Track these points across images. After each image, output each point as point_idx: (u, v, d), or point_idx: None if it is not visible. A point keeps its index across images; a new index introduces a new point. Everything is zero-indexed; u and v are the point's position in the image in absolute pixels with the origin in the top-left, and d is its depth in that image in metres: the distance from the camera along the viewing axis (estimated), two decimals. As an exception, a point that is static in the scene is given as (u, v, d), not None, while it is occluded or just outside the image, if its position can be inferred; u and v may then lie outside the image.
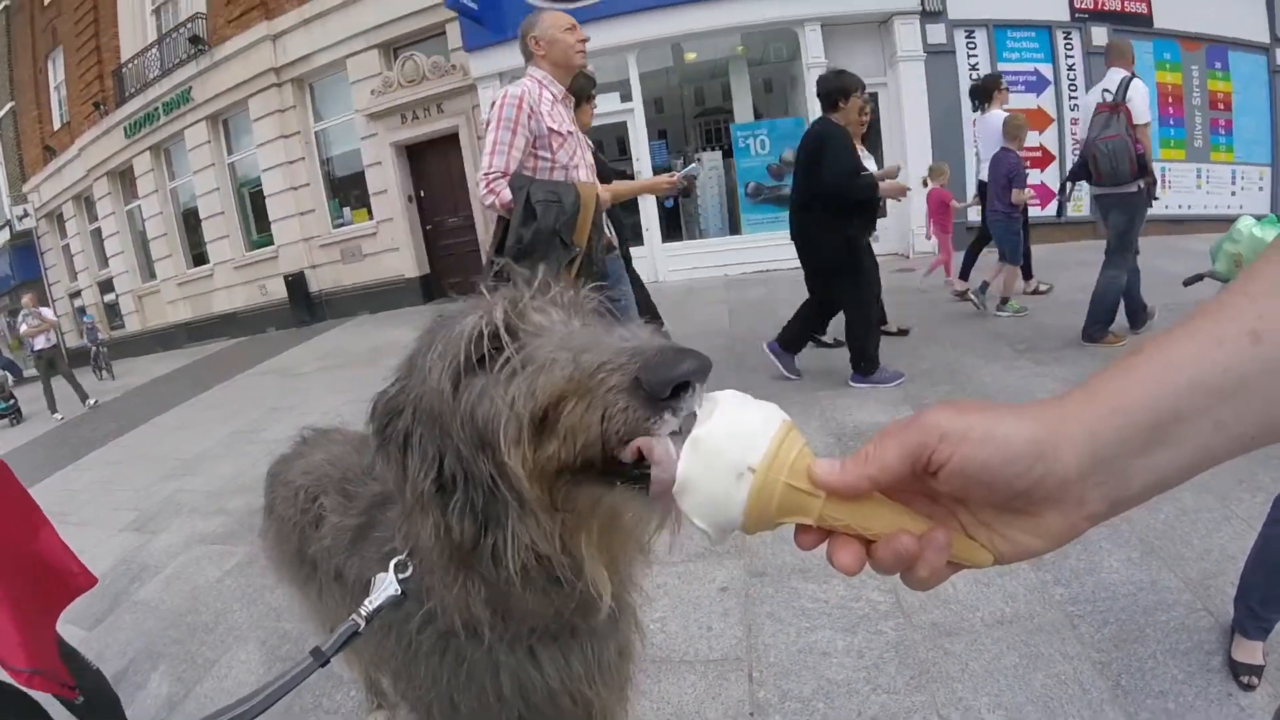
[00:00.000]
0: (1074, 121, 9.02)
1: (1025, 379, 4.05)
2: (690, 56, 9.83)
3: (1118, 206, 4.29)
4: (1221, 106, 9.10)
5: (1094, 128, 4.26)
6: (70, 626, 2.90)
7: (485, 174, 2.74)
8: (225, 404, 6.88)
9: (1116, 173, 4.15)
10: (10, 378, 10.31)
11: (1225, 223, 4.18)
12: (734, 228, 9.55)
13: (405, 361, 0.78)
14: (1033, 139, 8.68)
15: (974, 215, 6.52)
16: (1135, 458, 0.40)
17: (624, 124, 9.38)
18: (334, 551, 1.14)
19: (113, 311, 14.80)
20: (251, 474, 4.36)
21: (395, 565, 0.85)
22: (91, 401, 8.75)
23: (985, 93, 5.92)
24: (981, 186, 5.88)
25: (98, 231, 14.52)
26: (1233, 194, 6.75)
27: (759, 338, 4.81)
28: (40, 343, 9.00)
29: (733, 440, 0.43)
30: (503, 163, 2.73)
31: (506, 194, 2.69)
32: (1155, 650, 1.95)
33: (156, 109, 12.22)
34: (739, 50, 9.59)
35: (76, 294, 15.87)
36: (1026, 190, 5.32)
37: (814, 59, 8.71)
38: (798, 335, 4.42)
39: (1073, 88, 9.07)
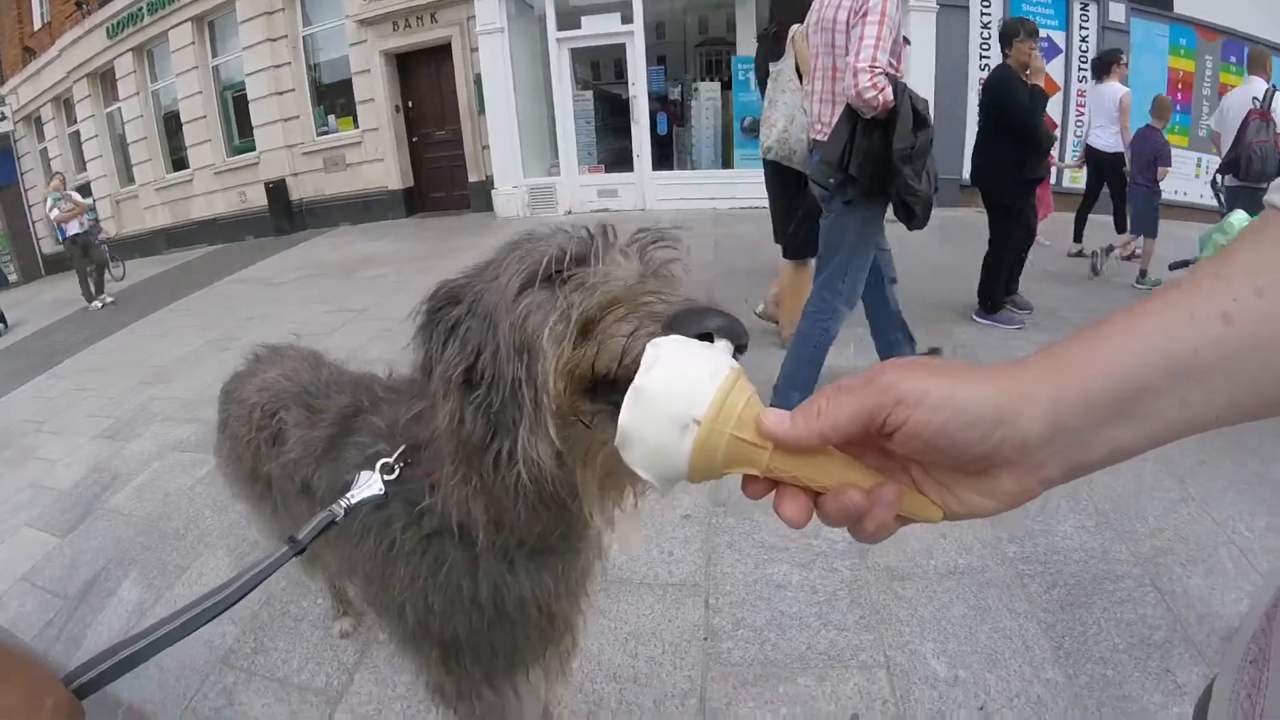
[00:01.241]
0: (1081, 93, 8.93)
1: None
2: (696, -18, 9.53)
3: (1253, 200, 4.64)
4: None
5: (1250, 131, 4.75)
6: (43, 534, 2.93)
7: (872, 66, 2.47)
8: (202, 312, 6.79)
9: (1265, 173, 4.61)
10: None
11: (1216, 213, 4.33)
12: (726, 161, 9.37)
13: (480, 263, 0.79)
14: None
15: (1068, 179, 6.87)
16: (1097, 429, 0.40)
17: (623, 46, 9.12)
18: (301, 464, 1.14)
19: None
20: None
21: (381, 466, 0.86)
22: (110, 299, 8.43)
23: (1105, 65, 6.08)
24: (1088, 151, 6.27)
25: (76, 135, 13.97)
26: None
27: (743, 275, 4.80)
28: (74, 228, 8.50)
29: (677, 390, 0.42)
30: (884, 59, 2.49)
31: (890, 94, 2.49)
32: (1100, 618, 2.02)
33: (141, 8, 11.64)
34: (748, -21, 9.28)
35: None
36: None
37: (824, -2, 8.49)
38: (994, 288, 4.41)
39: (1083, 60, 8.91)
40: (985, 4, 8.76)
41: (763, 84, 3.66)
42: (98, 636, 2.26)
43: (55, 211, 8.46)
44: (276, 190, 11.05)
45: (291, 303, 6.35)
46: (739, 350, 0.51)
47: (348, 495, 0.85)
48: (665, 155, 9.53)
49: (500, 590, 0.92)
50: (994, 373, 0.40)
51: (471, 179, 10.33)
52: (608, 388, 0.59)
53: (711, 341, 0.49)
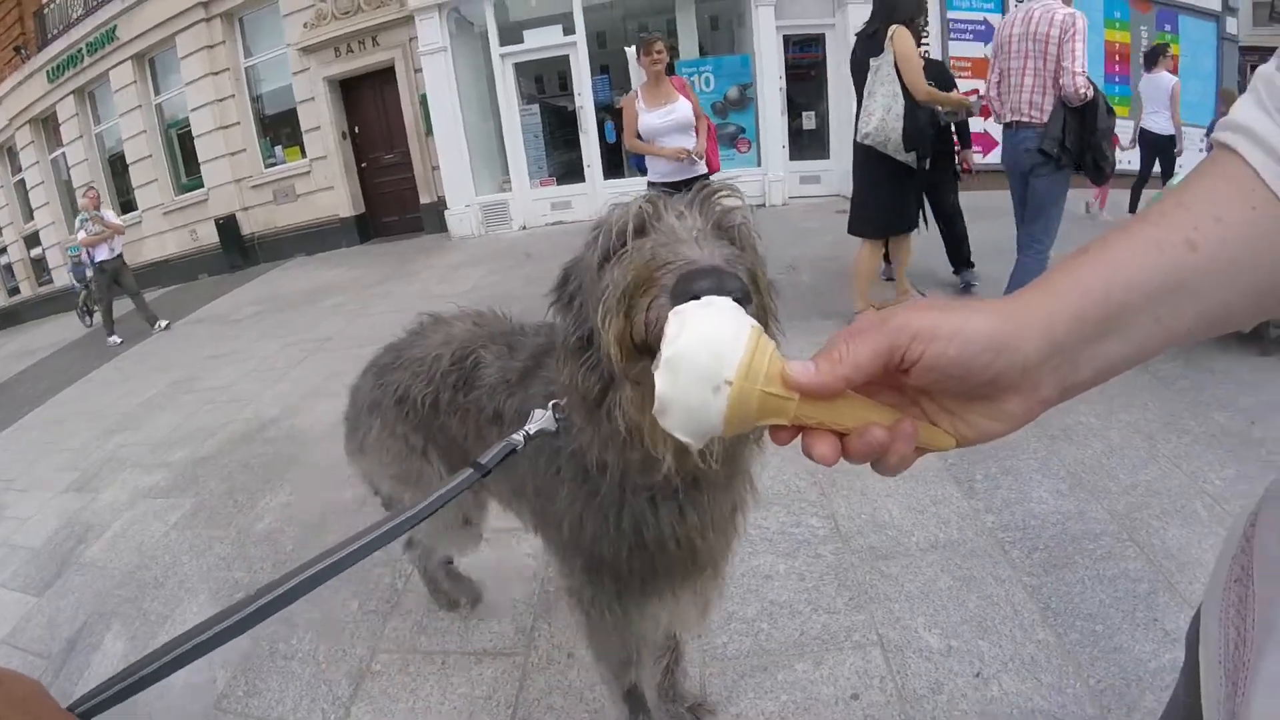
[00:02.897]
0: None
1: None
2: (637, -10, 9.54)
3: None
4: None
5: None
6: (18, 594, 2.84)
7: (1083, 72, 3.45)
8: (162, 354, 6.64)
9: None
10: None
11: (1130, 178, 4.42)
12: (677, 164, 9.41)
13: (587, 237, 0.86)
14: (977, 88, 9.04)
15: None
16: (1085, 347, 0.44)
17: (566, 57, 9.13)
18: (495, 392, 1.30)
19: (40, 267, 13.94)
20: (191, 425, 4.27)
21: (553, 405, 0.96)
22: (163, 324, 7.71)
23: (1154, 57, 7.04)
24: (1143, 134, 7.14)
25: (22, 183, 13.64)
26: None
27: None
28: (103, 253, 7.51)
29: (706, 355, 0.44)
30: (1085, 66, 3.47)
31: (1092, 90, 3.47)
32: (1083, 576, 2.07)
33: (80, 50, 11.41)
34: (687, -16, 9.34)
35: (2, 250, 14.83)
36: None
37: (763, -2, 8.58)
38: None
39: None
40: (925, -6, 8.92)
41: (858, 77, 4.01)
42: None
43: (82, 234, 7.48)
44: (227, 226, 10.84)
45: (253, 338, 6.25)
46: (745, 300, 0.54)
47: (525, 427, 0.94)
48: (615, 164, 9.47)
49: (639, 524, 1.02)
50: (993, 305, 0.44)
51: (423, 200, 10.26)
52: (652, 350, 0.63)
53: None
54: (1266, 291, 0.44)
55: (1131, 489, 2.49)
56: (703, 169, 4.24)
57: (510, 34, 9.19)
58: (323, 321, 6.27)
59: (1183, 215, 0.44)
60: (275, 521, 2.90)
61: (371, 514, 2.75)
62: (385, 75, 9.85)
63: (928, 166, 4.05)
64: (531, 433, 0.93)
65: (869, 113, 3.80)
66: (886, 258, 4.54)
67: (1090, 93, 3.44)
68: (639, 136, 4.30)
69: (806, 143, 9.59)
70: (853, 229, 4.19)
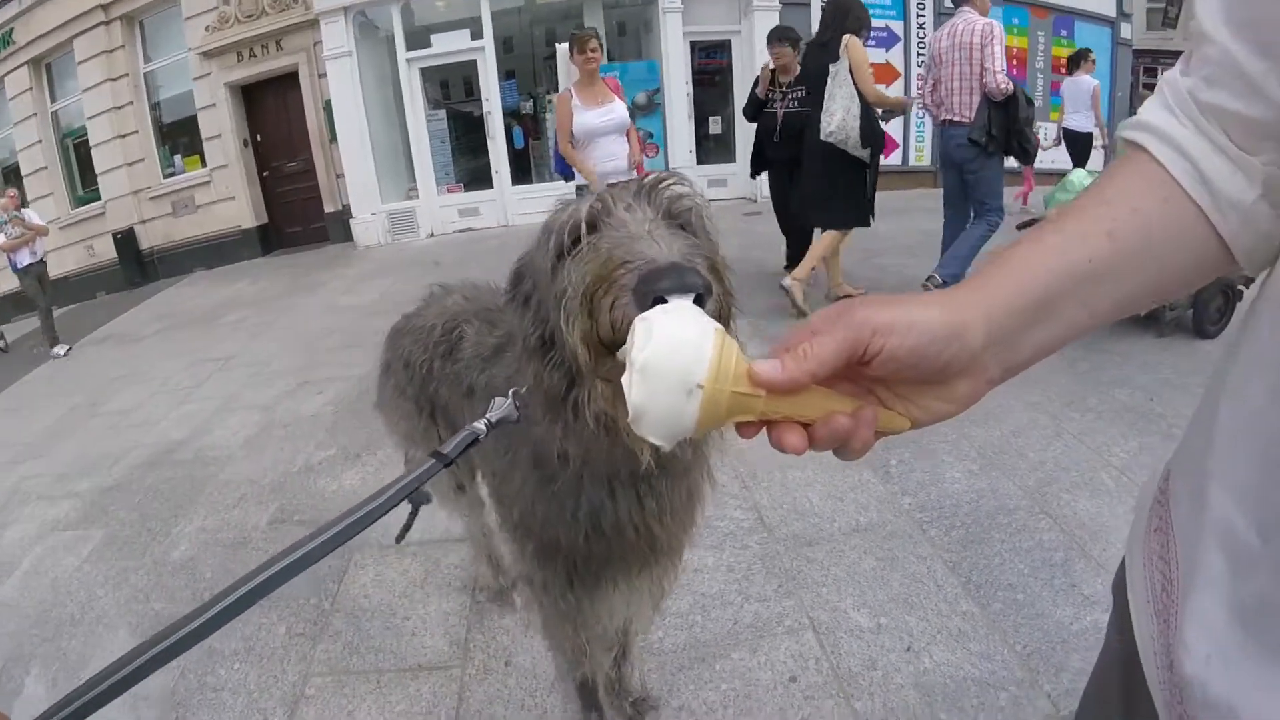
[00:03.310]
0: (920, 78, 9.52)
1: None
2: (545, -5, 9.49)
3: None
4: (1063, 71, 9.65)
5: None
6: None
7: (1003, 71, 4.08)
8: (60, 377, 6.24)
9: None
10: None
11: (1057, 175, 4.73)
12: (585, 170, 9.43)
13: (536, 233, 0.86)
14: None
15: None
16: (1023, 332, 0.49)
17: (473, 62, 9.05)
18: (470, 367, 1.34)
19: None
20: (96, 451, 4.05)
21: (513, 394, 0.96)
22: (62, 350, 6.95)
23: (1076, 62, 7.55)
24: (1066, 133, 7.62)
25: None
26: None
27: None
28: (24, 257, 6.87)
29: (677, 361, 0.45)
30: (1004, 66, 4.10)
31: (1010, 86, 4.10)
32: (1000, 549, 2.20)
33: (-28, 55, 10.58)
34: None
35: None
36: None
37: (670, 4, 8.69)
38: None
39: (921, 46, 9.56)
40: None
41: (809, 82, 4.52)
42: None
43: (0, 237, 6.85)
44: (125, 240, 10.21)
45: (155, 357, 5.95)
46: (707, 292, 0.56)
47: (487, 415, 0.93)
48: (524, 169, 9.49)
49: (596, 512, 1.02)
50: (940, 297, 0.48)
51: (327, 209, 9.94)
52: (618, 346, 0.64)
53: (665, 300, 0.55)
54: (1172, 275, 0.50)
55: (1040, 465, 2.65)
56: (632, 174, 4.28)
57: (417, 38, 9.05)
58: (226, 339, 6.03)
59: (1103, 209, 0.49)
60: (191, 548, 2.78)
61: (293, 532, 2.68)
62: (289, 81, 9.51)
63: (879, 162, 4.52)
64: (493, 421, 0.94)
65: (830, 114, 4.20)
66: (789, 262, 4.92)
67: (1010, 88, 4.07)
68: (573, 136, 4.23)
69: (713, 147, 9.83)
70: (816, 222, 4.55)
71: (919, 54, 9.53)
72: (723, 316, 0.67)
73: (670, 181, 0.76)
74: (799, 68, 4.79)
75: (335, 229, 9.85)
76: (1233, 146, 0.46)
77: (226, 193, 10.03)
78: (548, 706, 1.79)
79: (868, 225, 4.56)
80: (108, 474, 3.68)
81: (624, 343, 0.52)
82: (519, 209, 9.18)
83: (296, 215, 10.29)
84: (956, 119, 4.30)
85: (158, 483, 3.42)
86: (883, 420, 0.49)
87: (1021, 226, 4.76)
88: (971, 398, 0.50)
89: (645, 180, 0.77)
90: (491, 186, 9.32)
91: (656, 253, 0.63)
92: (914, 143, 10.00)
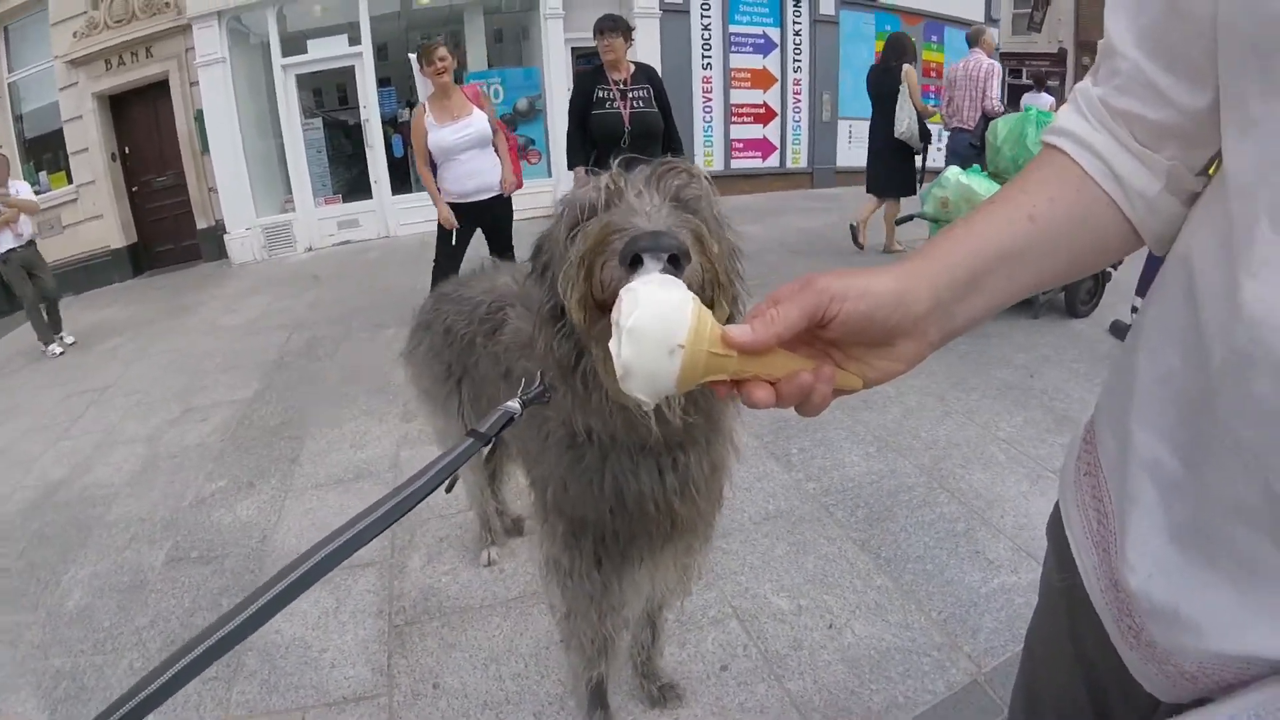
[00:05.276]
0: (796, 82, 10.08)
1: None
2: (423, 1, 9.25)
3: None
4: (934, 74, 10.41)
5: None
6: None
7: (998, 97, 5.99)
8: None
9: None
10: None
11: (932, 174, 5.09)
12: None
13: (555, 211, 0.89)
14: (757, 97, 10.00)
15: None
16: (958, 301, 0.55)
17: (349, 69, 8.75)
18: (510, 350, 1.40)
19: None
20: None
21: (541, 374, 0.98)
22: (69, 338, 6.13)
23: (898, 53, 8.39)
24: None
25: None
26: (939, 150, 7.88)
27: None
28: (7, 240, 5.73)
29: (660, 325, 0.51)
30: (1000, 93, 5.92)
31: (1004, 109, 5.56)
32: (905, 525, 2.34)
33: None
34: (473, -3, 9.23)
35: None
36: None
37: (552, 10, 8.69)
38: None
39: (797, 52, 10.01)
40: (705, 9, 9.46)
41: (873, 93, 6.12)
42: None
43: None
44: (-13, 267, 9.19)
45: (27, 392, 5.40)
46: (684, 256, 0.63)
47: (520, 395, 0.96)
48: (403, 178, 9.14)
49: (620, 485, 1.05)
50: (890, 269, 0.54)
51: (200, 225, 9.31)
52: (608, 309, 0.67)
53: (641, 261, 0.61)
54: (1085, 255, 0.59)
55: (933, 444, 2.83)
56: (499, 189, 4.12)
57: (293, 44, 8.63)
58: (101, 367, 5.54)
59: (1024, 198, 0.57)
60: (85, 595, 2.54)
61: (191, 570, 2.51)
62: (159, 89, 8.84)
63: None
64: (527, 400, 0.96)
65: (899, 120, 5.85)
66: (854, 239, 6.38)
67: (1002, 110, 5.71)
68: (431, 156, 3.99)
69: (596, 152, 9.82)
70: (884, 193, 6.14)
71: (795, 60, 10.00)
72: (705, 287, 0.71)
73: (679, 169, 0.81)
74: (633, 66, 4.18)
75: (209, 246, 9.22)
76: (1139, 145, 0.55)
77: (94, 211, 9.21)
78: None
79: (912, 194, 6.00)
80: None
81: (611, 302, 0.57)
82: (400, 219, 8.91)
83: (168, 233, 9.58)
84: (964, 127, 6.07)
85: (42, 527, 3.11)
86: (839, 379, 0.54)
87: (899, 221, 5.61)
88: (916, 358, 0.56)
89: (656, 168, 0.81)
90: (371, 197, 9.00)
91: (644, 223, 0.69)
92: (790, 146, 10.40)
